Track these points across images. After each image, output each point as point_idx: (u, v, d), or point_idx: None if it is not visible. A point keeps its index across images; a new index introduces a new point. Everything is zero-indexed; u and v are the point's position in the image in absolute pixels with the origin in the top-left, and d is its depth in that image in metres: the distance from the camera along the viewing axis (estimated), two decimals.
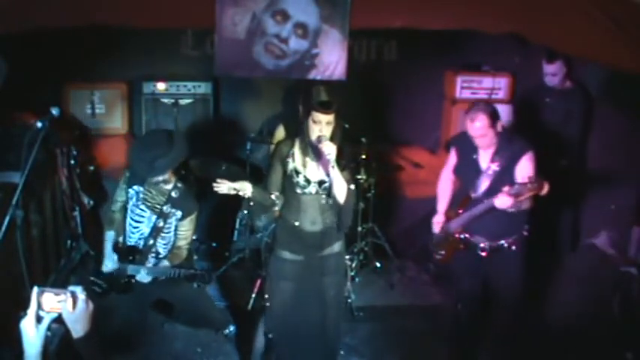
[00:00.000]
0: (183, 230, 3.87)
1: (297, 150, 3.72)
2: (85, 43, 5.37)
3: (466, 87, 5.99)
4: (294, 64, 5.42)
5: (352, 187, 3.72)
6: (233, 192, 3.63)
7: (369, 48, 6.12)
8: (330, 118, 3.53)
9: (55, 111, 3.28)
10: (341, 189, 3.59)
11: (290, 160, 3.71)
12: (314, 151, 3.64)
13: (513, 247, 3.96)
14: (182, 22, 5.40)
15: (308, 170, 3.70)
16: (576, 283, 5.24)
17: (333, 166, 3.49)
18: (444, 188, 4.20)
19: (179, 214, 3.83)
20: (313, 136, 3.56)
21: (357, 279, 5.38)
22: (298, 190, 3.70)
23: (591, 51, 4.50)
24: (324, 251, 3.79)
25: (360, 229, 5.48)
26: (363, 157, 5.43)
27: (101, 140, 5.65)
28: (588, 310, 4.89)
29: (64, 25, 4.70)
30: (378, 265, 5.59)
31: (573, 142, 5.00)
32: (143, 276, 3.70)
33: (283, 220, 3.82)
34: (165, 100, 5.71)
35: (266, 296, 3.97)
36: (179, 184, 3.84)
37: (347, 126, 5.55)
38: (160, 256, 3.86)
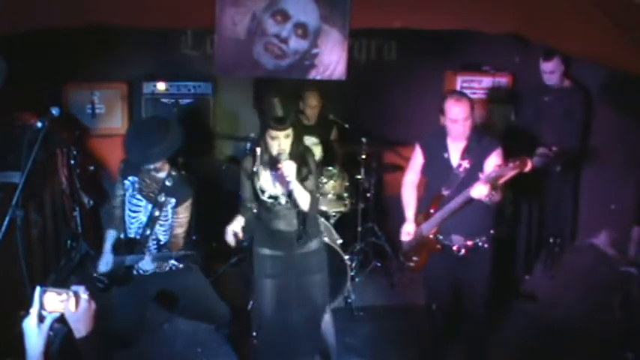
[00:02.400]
0: (178, 217, 3.86)
1: (259, 167, 3.75)
2: (85, 43, 5.36)
3: (466, 87, 5.98)
4: (294, 64, 5.41)
5: (318, 195, 3.77)
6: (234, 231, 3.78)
7: (369, 48, 6.12)
8: (288, 131, 3.57)
9: (55, 111, 3.28)
10: (303, 199, 3.65)
11: (255, 177, 3.76)
12: (272, 167, 3.68)
13: (486, 246, 3.94)
14: (182, 22, 5.39)
15: (273, 186, 3.75)
16: (576, 283, 5.24)
17: (290, 186, 3.55)
18: (410, 194, 4.15)
19: (173, 201, 3.81)
20: (274, 152, 3.60)
21: (357, 279, 5.38)
22: (269, 205, 3.78)
23: (591, 51, 4.51)
24: (302, 249, 3.84)
25: (360, 229, 5.48)
26: (363, 157, 5.44)
27: (101, 140, 5.64)
28: (588, 310, 4.89)
29: (64, 25, 4.69)
30: (378, 265, 5.59)
31: (573, 142, 4.99)
32: (147, 263, 3.70)
33: (259, 222, 3.86)
34: (165, 100, 5.70)
35: (253, 295, 4.02)
36: (173, 172, 3.83)
37: (347, 126, 5.63)
38: (161, 243, 3.86)
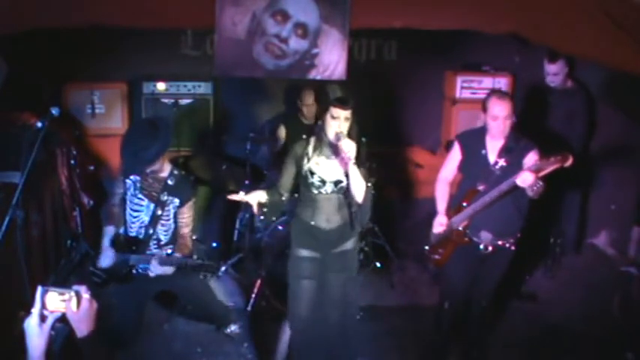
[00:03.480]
0: (183, 217, 3.87)
1: (311, 150, 3.73)
2: (85, 43, 5.36)
3: (466, 87, 5.99)
4: (294, 64, 5.41)
5: (369, 184, 3.74)
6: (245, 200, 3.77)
7: (369, 48, 6.12)
8: (348, 113, 3.57)
9: (55, 111, 3.28)
10: (359, 187, 3.60)
11: (304, 160, 3.73)
12: (332, 148, 3.66)
13: (512, 248, 3.98)
14: (182, 22, 5.40)
15: (323, 170, 3.71)
16: (576, 283, 5.25)
17: (353, 163, 3.50)
18: (444, 189, 4.17)
19: (177, 201, 3.83)
20: (331, 133, 3.58)
21: (358, 274, 5.36)
22: (314, 190, 3.72)
23: (591, 51, 4.51)
24: (338, 248, 3.80)
25: (363, 227, 5.47)
26: (364, 157, 5.43)
27: (101, 140, 5.64)
28: (588, 310, 4.90)
29: (64, 25, 4.70)
30: (378, 265, 5.59)
31: (576, 143, 4.98)
32: (156, 267, 3.68)
33: (299, 219, 3.82)
34: (166, 100, 5.71)
35: (288, 297, 3.93)
36: (175, 172, 3.84)
37: None
38: (162, 243, 3.87)
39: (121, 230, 3.91)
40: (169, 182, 3.80)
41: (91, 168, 5.49)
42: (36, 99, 4.71)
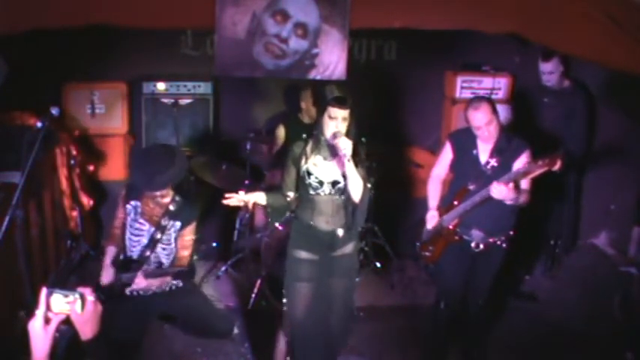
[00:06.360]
0: (184, 240, 3.87)
1: (309, 151, 3.71)
2: (85, 43, 5.35)
3: (466, 87, 5.97)
4: (294, 64, 5.41)
5: (369, 185, 3.72)
6: (243, 204, 3.75)
7: (369, 48, 6.12)
8: (346, 113, 3.54)
9: (54, 111, 3.28)
10: (357, 186, 3.57)
11: (302, 161, 3.70)
12: (329, 148, 3.64)
13: (504, 245, 3.98)
14: (182, 22, 5.39)
15: (321, 171, 3.68)
16: (576, 283, 5.26)
17: (349, 160, 3.47)
18: (436, 186, 4.18)
19: (178, 224, 3.82)
20: (329, 133, 3.56)
21: (357, 279, 5.37)
22: (312, 192, 3.68)
23: (591, 51, 4.51)
24: (337, 251, 3.77)
25: (360, 229, 5.47)
26: (363, 157, 5.43)
27: (101, 140, 5.64)
28: (588, 310, 4.91)
29: (64, 25, 4.68)
30: (378, 265, 5.59)
31: (575, 143, 4.98)
32: (140, 280, 3.70)
33: (298, 221, 3.80)
34: (166, 100, 5.69)
35: (284, 300, 3.89)
36: (177, 198, 3.82)
37: None
38: (164, 266, 3.86)
39: (121, 257, 3.92)
40: (171, 208, 3.80)
41: (91, 168, 5.49)
42: (36, 99, 4.69)
